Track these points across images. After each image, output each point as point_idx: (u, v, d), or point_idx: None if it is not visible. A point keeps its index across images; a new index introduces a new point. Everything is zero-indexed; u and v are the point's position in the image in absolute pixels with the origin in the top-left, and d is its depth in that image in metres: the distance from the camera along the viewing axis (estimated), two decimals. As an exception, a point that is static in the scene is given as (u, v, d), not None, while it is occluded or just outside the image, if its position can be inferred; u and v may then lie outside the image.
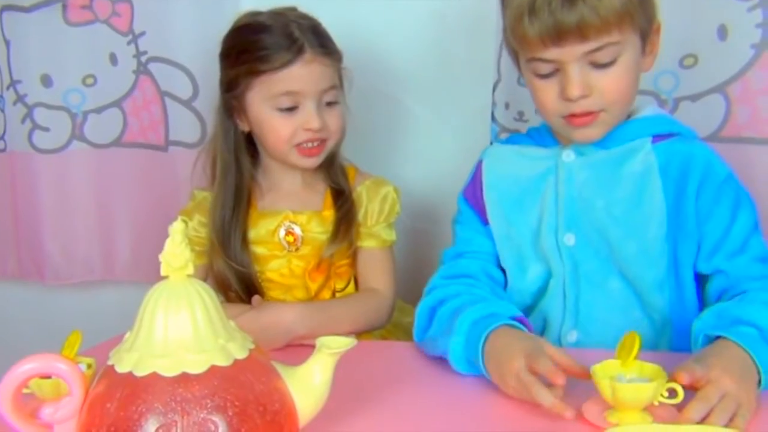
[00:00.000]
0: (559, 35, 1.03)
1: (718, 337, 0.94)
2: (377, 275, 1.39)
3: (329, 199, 1.40)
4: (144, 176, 1.79)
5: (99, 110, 1.79)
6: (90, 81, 1.78)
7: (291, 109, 1.32)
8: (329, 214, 1.38)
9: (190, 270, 0.78)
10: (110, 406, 0.73)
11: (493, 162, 1.26)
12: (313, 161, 1.36)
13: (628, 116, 1.15)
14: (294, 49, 1.29)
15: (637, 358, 0.89)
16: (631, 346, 0.89)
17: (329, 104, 1.35)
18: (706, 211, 1.10)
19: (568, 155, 1.16)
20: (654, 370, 0.88)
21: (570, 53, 1.05)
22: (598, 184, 1.14)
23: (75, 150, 1.82)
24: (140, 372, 0.73)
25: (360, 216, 1.39)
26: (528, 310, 1.21)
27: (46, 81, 1.78)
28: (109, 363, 0.77)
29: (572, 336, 1.17)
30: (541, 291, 1.20)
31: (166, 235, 1.75)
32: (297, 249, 1.37)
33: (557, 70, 1.08)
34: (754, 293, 1.02)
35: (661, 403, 0.86)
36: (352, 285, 1.41)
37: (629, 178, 1.12)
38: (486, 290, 1.18)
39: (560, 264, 1.16)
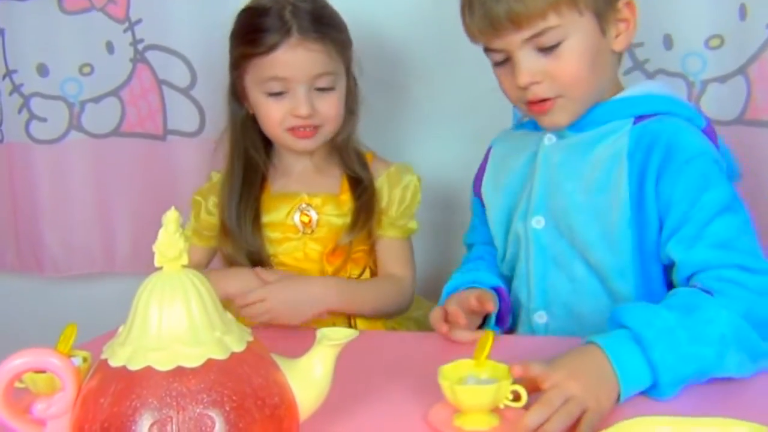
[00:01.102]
0: (493, 26, 1.05)
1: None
2: (398, 263, 1.37)
3: (346, 184, 1.37)
4: (143, 166, 1.78)
5: (96, 100, 1.77)
6: (87, 70, 1.75)
7: (280, 94, 1.30)
8: (346, 198, 1.36)
9: (185, 260, 0.75)
10: (104, 401, 0.71)
11: (497, 150, 1.28)
12: (307, 143, 1.33)
13: (613, 96, 1.13)
14: (282, 32, 1.27)
15: (489, 357, 0.87)
16: (484, 345, 0.87)
17: (322, 90, 1.31)
18: (666, 195, 1.04)
19: (549, 138, 1.16)
20: (504, 371, 0.85)
21: (511, 42, 1.05)
22: (569, 168, 1.13)
23: (73, 140, 1.79)
24: (134, 366, 0.71)
25: (383, 204, 1.36)
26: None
27: (43, 70, 1.76)
28: (103, 357, 0.75)
29: (541, 317, 1.18)
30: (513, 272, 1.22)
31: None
32: (312, 231, 1.35)
33: (509, 59, 1.08)
34: (685, 291, 0.95)
35: (506, 406, 0.83)
36: (367, 273, 1.39)
37: (598, 162, 1.10)
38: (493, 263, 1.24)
39: (526, 246, 1.17)
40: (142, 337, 0.73)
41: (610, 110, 1.11)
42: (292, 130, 1.31)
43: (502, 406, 0.83)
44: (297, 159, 1.39)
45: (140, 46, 1.71)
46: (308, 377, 0.79)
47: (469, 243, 1.35)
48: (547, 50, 1.05)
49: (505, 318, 1.19)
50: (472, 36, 1.10)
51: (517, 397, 0.82)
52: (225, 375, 0.72)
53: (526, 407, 0.81)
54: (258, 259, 1.33)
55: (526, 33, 1.04)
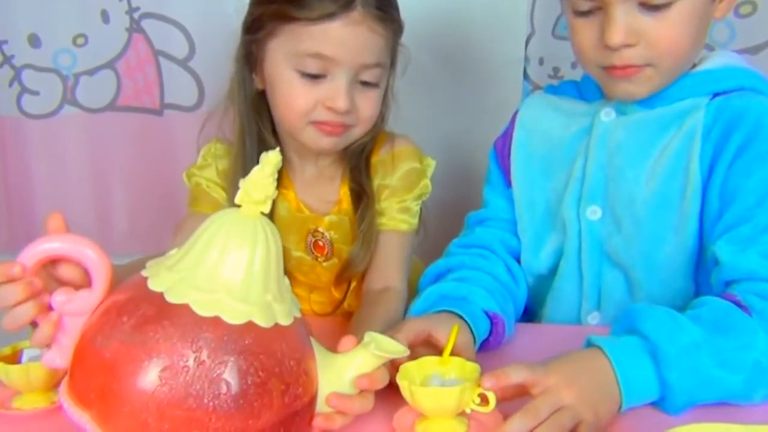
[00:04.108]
0: None
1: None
2: (390, 267, 1.14)
3: (345, 190, 1.17)
4: (139, 142, 1.72)
5: (91, 72, 1.70)
6: (81, 41, 1.68)
7: (316, 77, 1.06)
8: (347, 207, 1.17)
9: (267, 208, 0.69)
10: (126, 320, 0.64)
11: (528, 114, 1.13)
12: (331, 142, 1.10)
13: (691, 69, 1.00)
14: (342, 1, 1.03)
15: (460, 352, 0.78)
16: (450, 340, 0.79)
17: (366, 84, 1.09)
18: (735, 182, 0.91)
19: (607, 113, 1.03)
20: (472, 370, 0.76)
21: None
22: (633, 150, 1.00)
23: (67, 115, 1.73)
24: (173, 297, 0.65)
25: (374, 186, 1.16)
26: (544, 288, 1.11)
27: (34, 41, 1.68)
28: (144, 274, 0.68)
29: (594, 318, 1.06)
30: (557, 268, 1.09)
31: (163, 204, 1.63)
32: (326, 260, 1.19)
33: (599, 9, 0.94)
34: (718, 304, 0.81)
35: (474, 411, 0.74)
36: None
37: (669, 144, 0.98)
38: (499, 265, 1.08)
39: (577, 240, 1.04)
40: (193, 270, 0.66)
41: (689, 85, 0.99)
42: (319, 124, 1.08)
43: (468, 411, 0.74)
44: (303, 159, 1.18)
45: (136, 15, 1.64)
46: (340, 379, 0.72)
47: (477, 220, 1.16)
48: (653, 8, 0.91)
49: (493, 346, 0.97)
50: None
51: (485, 400, 0.73)
52: (260, 345, 0.65)
53: (505, 417, 0.71)
54: None
55: None
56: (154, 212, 1.72)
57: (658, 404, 0.77)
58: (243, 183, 0.68)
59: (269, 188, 0.68)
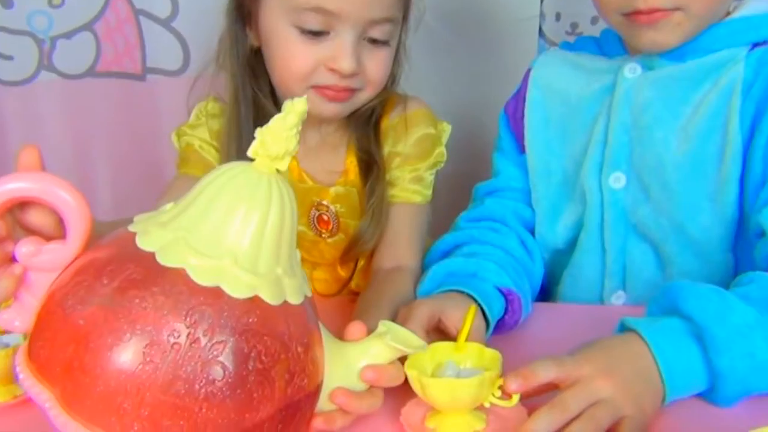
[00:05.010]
0: None
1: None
2: (402, 244, 1.05)
3: (351, 158, 1.08)
4: (121, 110, 1.64)
5: (68, 35, 1.61)
6: (57, 1, 1.58)
7: (318, 34, 0.96)
8: (354, 179, 1.07)
9: (285, 165, 0.59)
10: (106, 282, 0.55)
11: (542, 73, 1.05)
12: (335, 109, 1.01)
13: (724, 17, 0.91)
14: None
15: (470, 339, 0.70)
16: (466, 324, 0.71)
17: (375, 42, 0.98)
18: None
19: (632, 69, 0.95)
20: (493, 358, 0.67)
21: None
22: (662, 109, 0.92)
23: (43, 81, 1.64)
24: (166, 260, 0.55)
25: (384, 153, 1.06)
26: (561, 263, 1.03)
27: (6, 2, 1.58)
28: (131, 229, 0.58)
29: (618, 297, 0.98)
30: (575, 242, 1.01)
31: (147, 175, 1.55)
32: (331, 236, 1.10)
33: None
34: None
35: (494, 405, 0.65)
36: None
37: (703, 101, 0.89)
38: (512, 239, 1.00)
39: (599, 211, 0.96)
40: (192, 230, 0.56)
41: (724, 34, 0.90)
42: (321, 88, 0.98)
43: (487, 405, 0.66)
44: (305, 125, 1.10)
45: (114, -30, 1.54)
46: (349, 372, 0.63)
47: (487, 191, 1.09)
48: None
49: (510, 326, 0.91)
50: None
51: (507, 393, 0.65)
52: (265, 326, 0.56)
53: (530, 411, 0.63)
54: None
55: None
56: (138, 184, 1.65)
57: (706, 396, 0.70)
58: (260, 132, 0.58)
59: (291, 142, 0.58)
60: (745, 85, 0.87)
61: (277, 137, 0.59)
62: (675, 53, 0.91)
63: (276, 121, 0.59)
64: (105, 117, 1.65)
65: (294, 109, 0.59)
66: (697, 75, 0.91)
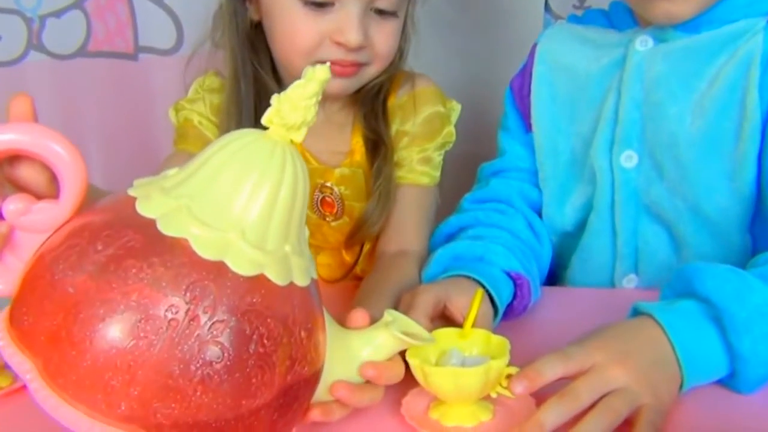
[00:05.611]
0: None
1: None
2: (408, 227, 1.02)
3: (357, 138, 1.04)
4: (113, 90, 1.60)
5: (58, 14, 1.57)
6: (45, -22, 1.55)
7: (322, 5, 0.92)
8: (360, 159, 1.04)
9: (301, 137, 0.55)
10: (101, 248, 0.51)
11: (549, 47, 1.01)
12: (341, 85, 0.97)
13: None
14: None
15: (477, 325, 0.67)
16: (472, 309, 0.67)
17: (382, 13, 0.95)
18: None
19: (643, 42, 0.91)
20: (500, 345, 0.64)
21: None
22: (675, 83, 0.88)
23: (33, 62, 1.60)
24: (167, 228, 0.51)
25: (392, 132, 1.03)
26: (569, 247, 1.00)
27: (-8, -21, 1.55)
28: (130, 192, 0.54)
29: (630, 281, 0.95)
30: (584, 225, 0.98)
31: (140, 157, 1.51)
32: (335, 219, 1.07)
33: None
34: None
35: (501, 395, 0.62)
36: None
37: (719, 75, 0.85)
38: (519, 221, 0.97)
39: (609, 191, 0.93)
40: (198, 198, 0.53)
41: (741, 4, 0.86)
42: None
43: (494, 395, 0.63)
44: None
45: (104, -54, 1.50)
46: (351, 361, 0.59)
47: (492, 171, 1.05)
48: None
49: (518, 312, 0.88)
50: None
51: None
52: (269, 307, 0.52)
53: (539, 401, 0.60)
54: None
55: None
56: (130, 165, 1.62)
57: (727, 382, 0.66)
58: (277, 99, 0.54)
59: (309, 112, 0.54)
60: (764, 57, 0.83)
61: (295, 106, 0.55)
62: (689, 24, 0.88)
63: (295, 88, 0.55)
64: (97, 99, 1.61)
65: (315, 77, 0.55)
66: (712, 47, 0.87)
